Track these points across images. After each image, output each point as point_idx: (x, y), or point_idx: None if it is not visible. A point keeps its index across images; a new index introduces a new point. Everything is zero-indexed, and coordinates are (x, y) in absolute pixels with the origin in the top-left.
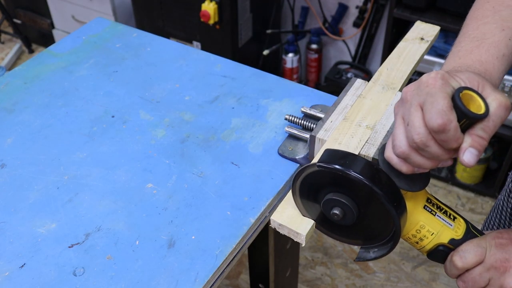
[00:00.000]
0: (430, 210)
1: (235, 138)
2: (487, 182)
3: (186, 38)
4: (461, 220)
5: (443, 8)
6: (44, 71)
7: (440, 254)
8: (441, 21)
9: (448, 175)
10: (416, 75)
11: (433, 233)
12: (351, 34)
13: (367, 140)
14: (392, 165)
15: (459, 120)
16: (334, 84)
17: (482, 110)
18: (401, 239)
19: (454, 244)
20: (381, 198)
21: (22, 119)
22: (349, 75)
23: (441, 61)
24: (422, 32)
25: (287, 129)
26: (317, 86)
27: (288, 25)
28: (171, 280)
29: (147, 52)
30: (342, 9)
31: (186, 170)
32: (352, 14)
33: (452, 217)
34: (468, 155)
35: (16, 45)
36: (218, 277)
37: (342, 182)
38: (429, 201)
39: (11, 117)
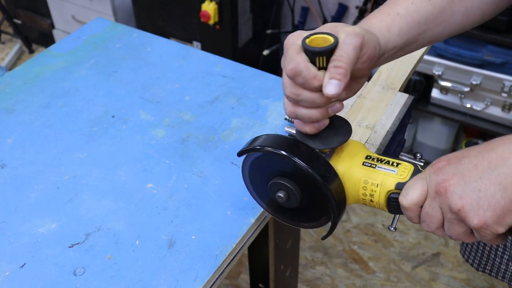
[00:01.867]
0: (369, 165)
1: (235, 138)
2: None
3: (186, 38)
4: (407, 164)
5: None
6: (44, 71)
7: (396, 202)
8: None
9: None
10: (416, 75)
11: (377, 184)
12: None
13: (367, 140)
14: (300, 130)
15: (314, 61)
16: None
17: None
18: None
19: (402, 187)
20: (296, 162)
21: (22, 119)
22: None
23: (441, 61)
24: None
25: (287, 129)
26: None
27: (288, 25)
28: (171, 280)
29: (147, 52)
30: (342, 9)
31: (186, 170)
32: (352, 14)
33: (395, 164)
34: (329, 86)
35: (16, 45)
36: (218, 277)
37: (275, 163)
38: (368, 157)
39: (11, 117)
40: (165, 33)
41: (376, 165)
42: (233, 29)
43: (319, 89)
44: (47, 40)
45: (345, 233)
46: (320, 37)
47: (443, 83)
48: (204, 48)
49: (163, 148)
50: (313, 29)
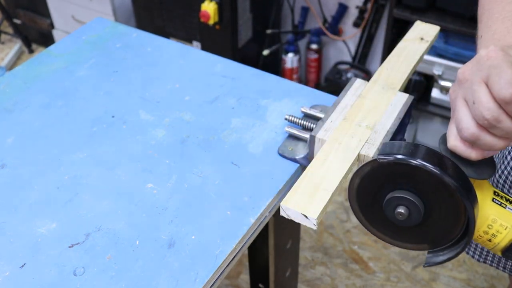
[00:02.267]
0: (499, 203)
1: (235, 138)
2: None
3: (186, 38)
4: None
5: (443, 8)
6: (44, 71)
7: None
8: (441, 21)
9: None
10: (416, 75)
11: (506, 227)
12: (351, 34)
13: (367, 140)
14: (458, 153)
15: None
16: (334, 84)
17: None
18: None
19: None
20: (451, 187)
21: (22, 119)
22: (349, 75)
23: (441, 61)
24: (422, 32)
25: (287, 129)
26: (317, 86)
27: (288, 25)
28: (171, 280)
29: (147, 52)
30: (342, 9)
31: (186, 170)
32: (352, 14)
33: None
34: None
35: (16, 45)
36: (218, 277)
37: (404, 175)
38: (496, 194)
39: (11, 117)
40: (165, 33)
41: (506, 205)
42: (233, 29)
43: None
44: (47, 40)
45: (345, 233)
46: None
47: (443, 83)
48: (204, 48)
49: (163, 148)
50: (315, 29)
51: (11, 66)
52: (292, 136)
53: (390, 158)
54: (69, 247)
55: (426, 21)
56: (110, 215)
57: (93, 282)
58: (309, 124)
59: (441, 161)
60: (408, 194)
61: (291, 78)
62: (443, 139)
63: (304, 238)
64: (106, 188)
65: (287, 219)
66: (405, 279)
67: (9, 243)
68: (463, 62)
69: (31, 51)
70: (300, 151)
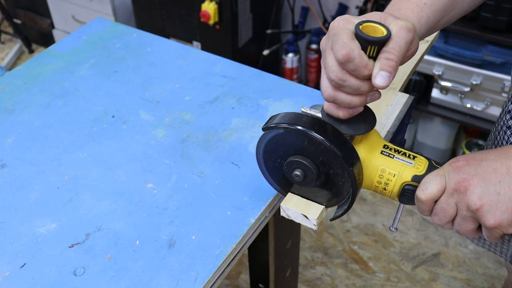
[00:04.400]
0: (387, 154)
1: (235, 138)
2: None
3: (186, 38)
4: (422, 157)
5: None
6: (44, 71)
7: (409, 193)
8: None
9: None
10: (416, 75)
11: (394, 174)
12: None
13: None
14: (331, 115)
15: (365, 49)
16: None
17: (384, 35)
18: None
19: (418, 180)
20: (324, 143)
21: (22, 119)
22: None
23: (441, 61)
24: None
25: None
26: (317, 86)
27: (288, 25)
28: (171, 280)
29: (147, 52)
30: (342, 9)
31: (186, 170)
32: (352, 14)
33: (411, 156)
34: (379, 78)
35: (16, 45)
36: (218, 277)
37: (294, 141)
38: (386, 147)
39: (11, 117)
40: (165, 33)
41: (394, 155)
42: (233, 29)
43: (366, 78)
44: (47, 40)
45: (345, 233)
46: (371, 26)
47: (443, 83)
48: (204, 48)
49: (163, 148)
50: (315, 29)
51: (11, 66)
52: None
53: (271, 125)
54: (69, 247)
55: None
56: (110, 215)
57: (93, 282)
58: None
59: (315, 123)
60: (301, 158)
61: (291, 78)
62: (323, 106)
63: (304, 238)
64: (106, 188)
65: (287, 219)
66: (405, 279)
67: (9, 243)
68: (463, 62)
69: (31, 51)
70: None
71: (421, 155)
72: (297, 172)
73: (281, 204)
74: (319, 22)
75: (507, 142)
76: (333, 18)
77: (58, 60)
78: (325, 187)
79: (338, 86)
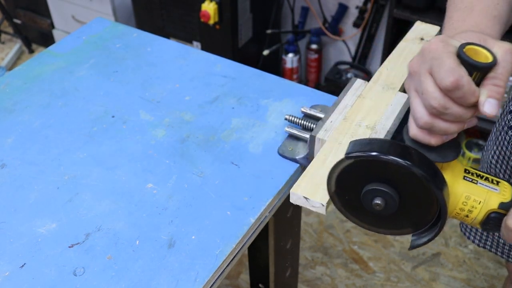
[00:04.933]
0: (471, 180)
1: (235, 138)
2: None
3: (186, 38)
4: (505, 183)
5: (443, 8)
6: (44, 71)
7: (494, 221)
8: (441, 21)
9: None
10: None
11: (480, 202)
12: (351, 34)
13: None
14: (419, 141)
15: (470, 75)
16: (334, 84)
17: (490, 59)
18: (452, 219)
19: (505, 207)
20: (417, 174)
21: (22, 119)
22: (349, 75)
23: None
24: (422, 32)
25: (287, 129)
26: (317, 86)
27: (288, 25)
28: (171, 280)
29: (147, 52)
30: (342, 9)
31: (186, 170)
32: (352, 14)
33: (495, 182)
34: (488, 105)
35: (16, 45)
36: (218, 277)
37: (376, 169)
38: (467, 171)
39: (11, 117)
40: (165, 33)
41: (477, 181)
42: (233, 29)
43: (471, 105)
44: (47, 40)
45: (345, 233)
46: (472, 49)
47: None
48: (204, 48)
49: (163, 148)
50: (315, 29)
51: (11, 66)
52: (292, 136)
53: (359, 154)
54: (69, 247)
55: (426, 21)
56: (110, 215)
57: (93, 282)
58: (309, 124)
59: (405, 151)
60: (383, 186)
61: (291, 78)
62: (407, 130)
63: (304, 238)
64: (106, 188)
65: (287, 219)
66: (405, 279)
67: (9, 243)
68: None
69: (31, 51)
70: (300, 151)
71: (503, 179)
72: (378, 201)
73: (291, 191)
74: (319, 22)
75: (508, 143)
76: (333, 18)
77: (58, 60)
78: (404, 216)
79: (438, 114)
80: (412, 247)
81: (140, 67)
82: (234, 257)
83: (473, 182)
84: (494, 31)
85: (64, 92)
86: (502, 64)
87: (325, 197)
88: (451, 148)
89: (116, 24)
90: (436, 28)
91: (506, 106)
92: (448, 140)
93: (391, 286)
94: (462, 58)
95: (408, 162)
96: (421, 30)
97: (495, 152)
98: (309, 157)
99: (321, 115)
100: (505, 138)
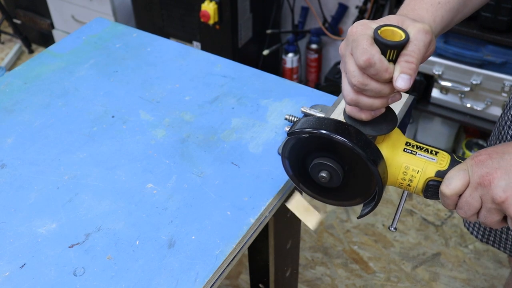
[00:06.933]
0: (410, 151)
1: (235, 138)
2: None
3: (186, 38)
4: (444, 153)
5: None
6: (44, 71)
7: (433, 189)
8: None
9: None
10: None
11: (418, 171)
12: None
13: None
14: (353, 117)
15: (384, 53)
16: (334, 84)
17: (402, 38)
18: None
19: (442, 175)
20: (348, 145)
21: (22, 119)
22: None
23: (441, 61)
24: None
25: (287, 129)
26: (317, 86)
27: (288, 25)
28: (171, 280)
29: (147, 52)
30: (342, 9)
31: (186, 170)
32: (352, 14)
33: (433, 152)
34: (400, 80)
35: (16, 45)
36: (218, 277)
37: (320, 145)
38: (408, 144)
39: (11, 117)
40: (165, 33)
41: (416, 152)
42: (233, 29)
43: (387, 81)
44: (47, 40)
45: (345, 233)
46: (389, 29)
47: (443, 83)
48: (204, 48)
49: (163, 148)
50: (315, 29)
51: (11, 66)
52: None
53: (297, 130)
54: (69, 247)
55: None
56: (110, 215)
57: (93, 282)
58: None
59: (339, 126)
60: (327, 160)
61: (291, 78)
62: (344, 109)
63: (304, 238)
64: (106, 188)
65: (287, 219)
66: (405, 279)
67: (9, 243)
68: (463, 62)
69: (31, 51)
70: None
71: (443, 150)
72: (323, 174)
73: (286, 204)
74: (319, 22)
75: (511, 138)
76: (333, 18)
77: (58, 60)
78: (350, 187)
79: (360, 90)
80: (360, 216)
81: (140, 67)
82: (234, 257)
83: (412, 153)
84: (433, 15)
85: (64, 92)
86: (414, 42)
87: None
88: (386, 121)
89: (116, 24)
90: None
91: (510, 101)
92: (377, 115)
93: (391, 286)
94: (375, 38)
95: (338, 136)
96: None
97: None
98: None
99: (321, 115)
100: (507, 132)
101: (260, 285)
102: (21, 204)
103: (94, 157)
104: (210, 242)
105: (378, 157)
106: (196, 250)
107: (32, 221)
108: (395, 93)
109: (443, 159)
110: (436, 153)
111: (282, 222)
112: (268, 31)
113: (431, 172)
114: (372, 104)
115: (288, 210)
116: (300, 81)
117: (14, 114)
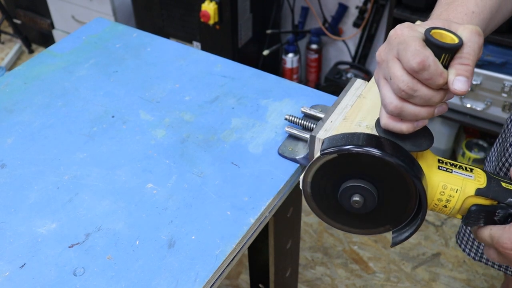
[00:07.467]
0: (445, 169)
1: (235, 138)
2: None
3: (186, 38)
4: (479, 169)
5: None
6: (44, 71)
7: (475, 214)
8: None
9: None
10: None
11: (457, 190)
12: (351, 34)
13: None
14: (391, 130)
15: (438, 57)
16: (334, 84)
17: (456, 41)
18: (431, 213)
19: (481, 193)
20: (394, 165)
21: (22, 119)
22: (349, 75)
23: None
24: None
25: (287, 129)
26: (317, 86)
27: (288, 25)
28: (171, 280)
29: (147, 52)
30: (342, 9)
31: (186, 170)
32: (352, 14)
33: (469, 169)
34: (458, 83)
35: (16, 45)
36: (218, 277)
37: (351, 165)
38: (441, 161)
39: (11, 117)
40: (165, 33)
41: (452, 169)
42: (233, 29)
43: (439, 87)
44: (47, 40)
45: (345, 233)
46: (437, 33)
47: None
48: (204, 48)
49: (163, 148)
50: (315, 29)
51: (11, 66)
52: (292, 136)
53: (334, 150)
54: (69, 247)
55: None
56: (110, 215)
57: (93, 282)
58: (309, 124)
59: (379, 142)
60: (360, 182)
61: (291, 78)
62: (378, 122)
63: (304, 238)
64: (106, 188)
65: (287, 219)
66: (405, 279)
67: (9, 243)
68: None
69: (31, 51)
70: (300, 151)
71: (476, 167)
72: (356, 198)
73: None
74: (319, 22)
75: None
76: (333, 18)
77: (58, 60)
78: (381, 212)
79: (407, 97)
80: (394, 243)
81: (140, 67)
82: (234, 257)
83: (448, 171)
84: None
85: (64, 92)
86: (468, 44)
87: None
88: (424, 137)
89: (116, 24)
90: None
91: None
92: (420, 128)
93: (391, 286)
94: (429, 40)
95: (382, 152)
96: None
97: (501, 161)
98: (309, 157)
99: (321, 115)
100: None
101: (260, 285)
102: (21, 204)
103: (94, 157)
104: (210, 242)
105: (421, 174)
106: (196, 250)
107: (32, 221)
108: (443, 103)
109: (480, 176)
110: (472, 169)
111: (282, 222)
112: (268, 31)
113: (470, 191)
114: (418, 113)
115: (288, 210)
116: (300, 81)
117: (14, 114)
